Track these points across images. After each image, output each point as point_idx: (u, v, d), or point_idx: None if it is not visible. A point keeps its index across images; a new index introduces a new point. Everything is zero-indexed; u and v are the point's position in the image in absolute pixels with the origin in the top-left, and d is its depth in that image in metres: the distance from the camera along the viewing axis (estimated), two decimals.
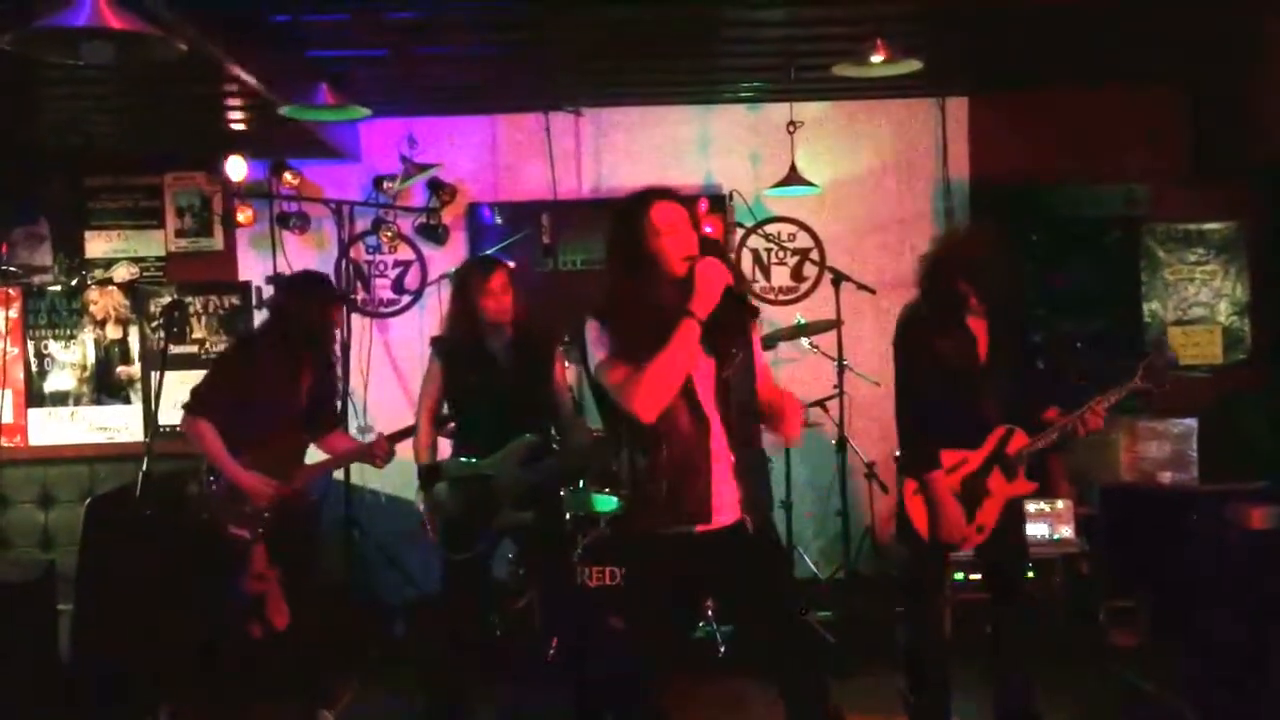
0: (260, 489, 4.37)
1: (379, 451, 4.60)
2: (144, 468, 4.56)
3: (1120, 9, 4.88)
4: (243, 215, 6.35)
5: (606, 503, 5.49)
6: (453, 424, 4.57)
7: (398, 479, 6.55)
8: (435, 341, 4.51)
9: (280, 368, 4.45)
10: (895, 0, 4.65)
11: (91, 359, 6.63)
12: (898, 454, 4.23)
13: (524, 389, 4.38)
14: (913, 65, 4.69)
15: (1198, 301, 6.41)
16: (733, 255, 6.23)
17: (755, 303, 3.22)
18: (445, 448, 4.56)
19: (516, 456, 4.33)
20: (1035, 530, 5.34)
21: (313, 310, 4.50)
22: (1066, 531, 5.45)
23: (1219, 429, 5.79)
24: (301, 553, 4.66)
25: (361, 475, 6.34)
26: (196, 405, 4.38)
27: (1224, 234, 6.30)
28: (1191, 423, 5.64)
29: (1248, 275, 6.36)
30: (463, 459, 4.41)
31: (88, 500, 5.67)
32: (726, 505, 3.07)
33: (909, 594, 4.24)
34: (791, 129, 5.97)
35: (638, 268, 3.03)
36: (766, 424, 3.26)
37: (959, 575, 5.43)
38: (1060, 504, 5.49)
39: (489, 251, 6.12)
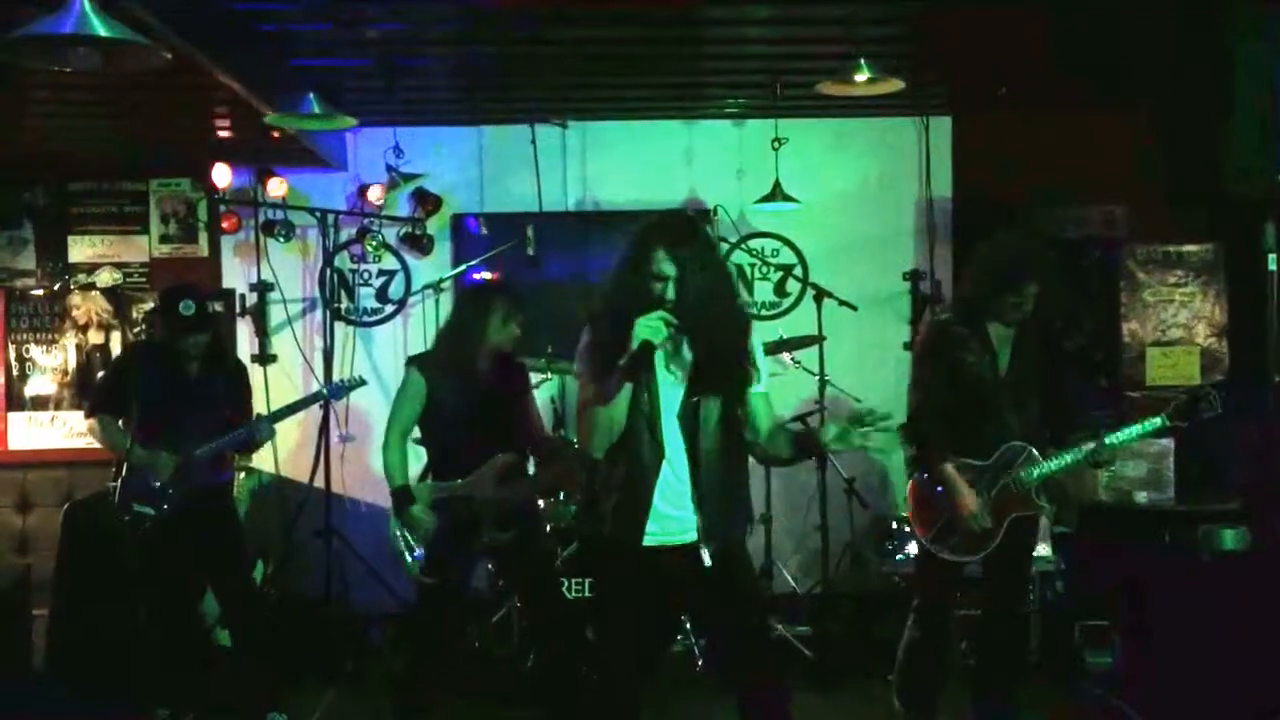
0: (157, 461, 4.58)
1: (257, 432, 4.76)
2: (123, 473, 4.59)
3: (1097, 34, 4.93)
4: (227, 222, 6.36)
5: None
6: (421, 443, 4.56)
7: (377, 489, 6.55)
8: (417, 359, 4.49)
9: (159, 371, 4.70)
10: (879, 22, 4.69)
11: (73, 364, 6.61)
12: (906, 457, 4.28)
13: (502, 410, 4.40)
14: (895, 85, 4.73)
15: (1176, 323, 6.44)
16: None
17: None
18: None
19: (494, 475, 4.33)
20: None
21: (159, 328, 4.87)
22: (1043, 550, 5.47)
23: (1196, 450, 5.82)
24: (219, 536, 4.76)
25: (342, 484, 6.34)
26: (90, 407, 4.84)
27: (1202, 256, 6.34)
28: (1168, 443, 5.66)
29: (1226, 297, 6.41)
30: (437, 482, 4.41)
31: (65, 505, 5.67)
32: (668, 530, 3.15)
33: (921, 609, 4.26)
34: (776, 145, 6.01)
35: (630, 284, 3.14)
36: (763, 462, 3.41)
37: None
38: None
39: (476, 262, 6.14)
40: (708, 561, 3.14)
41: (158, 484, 4.61)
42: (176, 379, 4.70)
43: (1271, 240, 5.05)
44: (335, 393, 5.22)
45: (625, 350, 3.03)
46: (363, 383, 5.24)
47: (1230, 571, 4.66)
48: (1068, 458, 4.02)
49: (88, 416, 4.86)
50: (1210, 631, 4.52)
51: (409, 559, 4.35)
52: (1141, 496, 5.63)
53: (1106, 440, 3.98)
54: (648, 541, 3.15)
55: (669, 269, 3.09)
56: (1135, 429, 4.01)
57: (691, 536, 3.16)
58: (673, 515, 3.15)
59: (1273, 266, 5.09)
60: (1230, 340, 6.40)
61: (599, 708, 3.32)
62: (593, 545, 3.41)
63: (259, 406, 5.91)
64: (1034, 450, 4.04)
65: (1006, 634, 4.21)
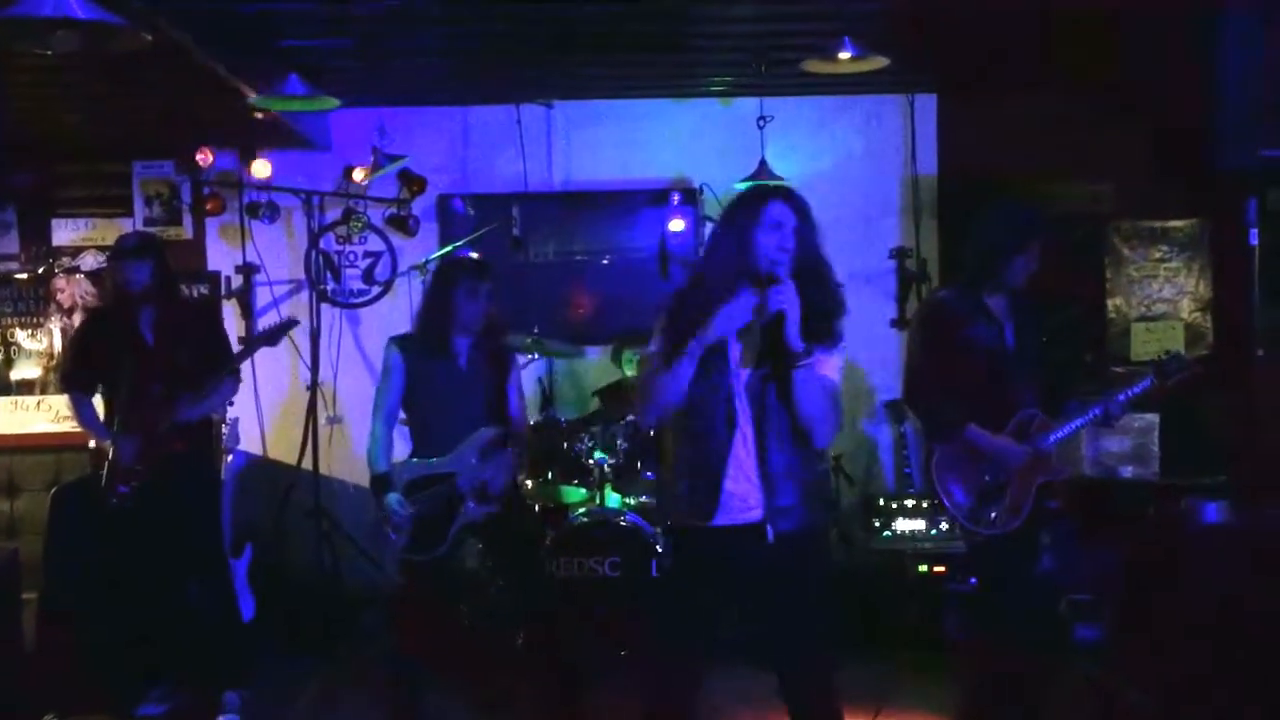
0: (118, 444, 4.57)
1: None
2: (109, 456, 4.59)
3: (1081, 10, 4.93)
4: (211, 204, 6.34)
5: (575, 494, 5.53)
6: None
7: (366, 470, 6.55)
8: (396, 339, 4.47)
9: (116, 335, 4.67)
10: None
11: (58, 348, 6.59)
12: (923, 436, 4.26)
13: (484, 388, 4.40)
14: (880, 62, 4.73)
15: (1161, 298, 6.48)
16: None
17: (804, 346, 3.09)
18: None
19: (476, 449, 4.34)
20: None
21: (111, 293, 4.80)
22: None
23: (1180, 424, 5.86)
24: (184, 499, 4.70)
25: (329, 466, 6.35)
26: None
27: (1186, 231, 6.37)
28: (1153, 418, 5.71)
29: (1210, 272, 6.45)
30: (418, 459, 4.41)
31: (53, 489, 5.67)
32: (739, 507, 3.11)
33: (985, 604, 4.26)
34: (762, 123, 6.00)
35: (729, 252, 3.11)
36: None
37: (922, 567, 5.49)
38: None
39: (461, 243, 6.14)
40: (770, 539, 3.08)
41: (127, 462, 4.58)
42: (130, 339, 4.63)
43: (1254, 216, 5.07)
44: (269, 338, 4.92)
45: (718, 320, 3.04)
46: (296, 322, 4.99)
47: (1214, 545, 4.69)
48: (1078, 421, 4.06)
49: (62, 392, 4.85)
50: (1195, 604, 4.55)
51: (392, 538, 4.35)
52: (1126, 471, 5.67)
53: (1118, 399, 4.05)
54: (717, 522, 3.11)
55: (789, 218, 3.10)
56: (1133, 390, 4.10)
57: (758, 515, 3.11)
58: (739, 493, 3.11)
59: (1255, 241, 5.11)
60: (1214, 315, 6.45)
61: (655, 694, 3.24)
62: (672, 528, 3.40)
63: (246, 392, 5.94)
64: (1047, 416, 4.07)
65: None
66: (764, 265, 3.08)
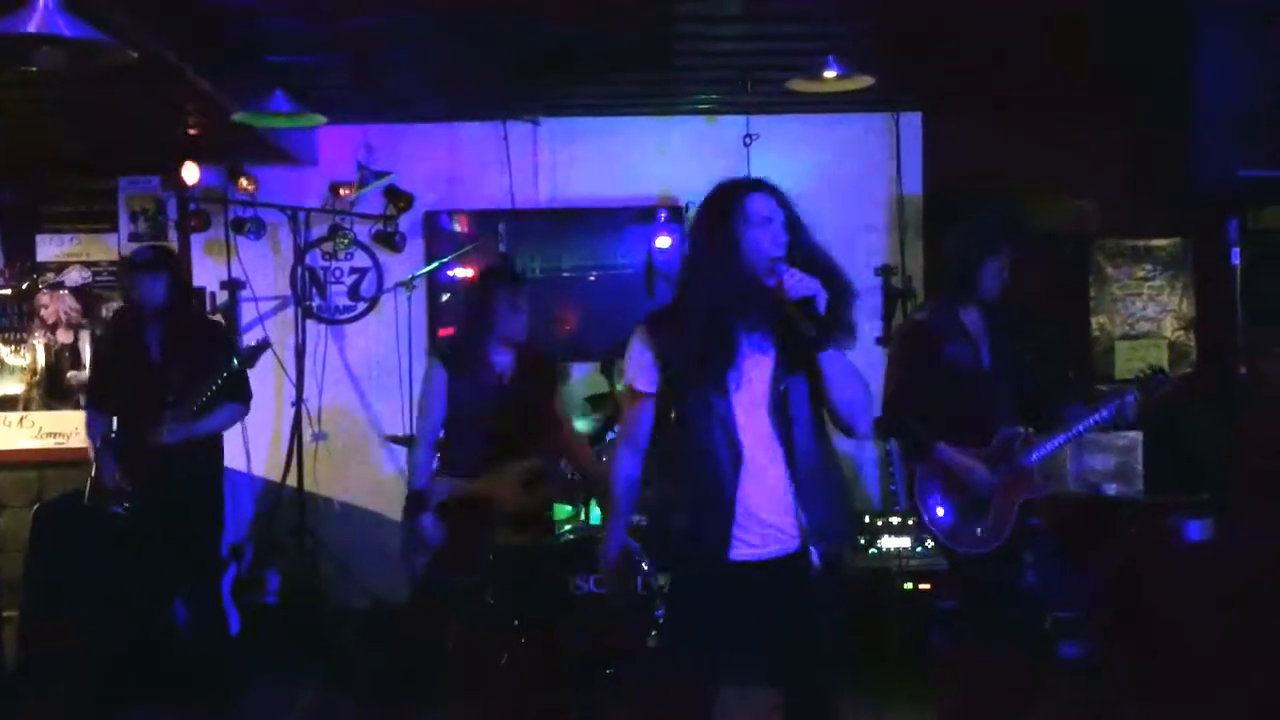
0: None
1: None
2: (92, 473, 4.57)
3: (1065, 30, 4.97)
4: (196, 220, 6.33)
5: (561, 510, 5.50)
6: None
7: (351, 488, 6.55)
8: (439, 350, 4.42)
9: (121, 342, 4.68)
10: (848, 19, 4.71)
11: (41, 363, 6.56)
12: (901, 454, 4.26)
13: (524, 408, 4.28)
14: (865, 81, 4.76)
15: (1144, 316, 6.51)
16: None
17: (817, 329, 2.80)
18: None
19: (517, 481, 4.25)
20: None
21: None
22: None
23: (1164, 442, 5.88)
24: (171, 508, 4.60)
25: (315, 482, 6.32)
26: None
27: (1169, 250, 6.40)
28: (1137, 435, 5.72)
29: (1193, 291, 6.48)
30: (455, 479, 4.28)
31: (35, 506, 5.63)
32: (769, 539, 2.80)
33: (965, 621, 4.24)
34: (748, 141, 6.03)
35: (719, 255, 2.78)
36: (836, 425, 2.93)
37: (908, 585, 5.49)
38: None
39: (448, 259, 6.14)
40: (816, 562, 2.77)
41: (118, 481, 4.57)
42: (135, 353, 4.61)
43: (1235, 235, 5.11)
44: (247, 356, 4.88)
45: (721, 339, 2.75)
46: (267, 345, 4.93)
47: (1198, 562, 4.71)
48: (1061, 437, 4.06)
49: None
50: (1180, 622, 4.57)
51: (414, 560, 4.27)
52: (1111, 489, 5.68)
53: (1100, 414, 4.05)
54: (739, 557, 2.77)
55: (775, 210, 2.82)
56: (1107, 408, 4.07)
57: (794, 545, 2.80)
58: (771, 524, 2.79)
59: (1236, 261, 5.15)
60: (1197, 333, 6.48)
61: None
62: (669, 565, 3.07)
63: None
64: (1030, 432, 4.07)
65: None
66: (763, 267, 2.77)
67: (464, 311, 4.44)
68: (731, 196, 2.85)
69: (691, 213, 6.35)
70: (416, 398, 4.41)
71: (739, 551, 2.78)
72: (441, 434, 4.32)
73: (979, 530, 4.01)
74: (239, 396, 4.79)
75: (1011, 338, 4.18)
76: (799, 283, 2.71)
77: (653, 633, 4.57)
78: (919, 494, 4.10)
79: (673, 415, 2.85)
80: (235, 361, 4.68)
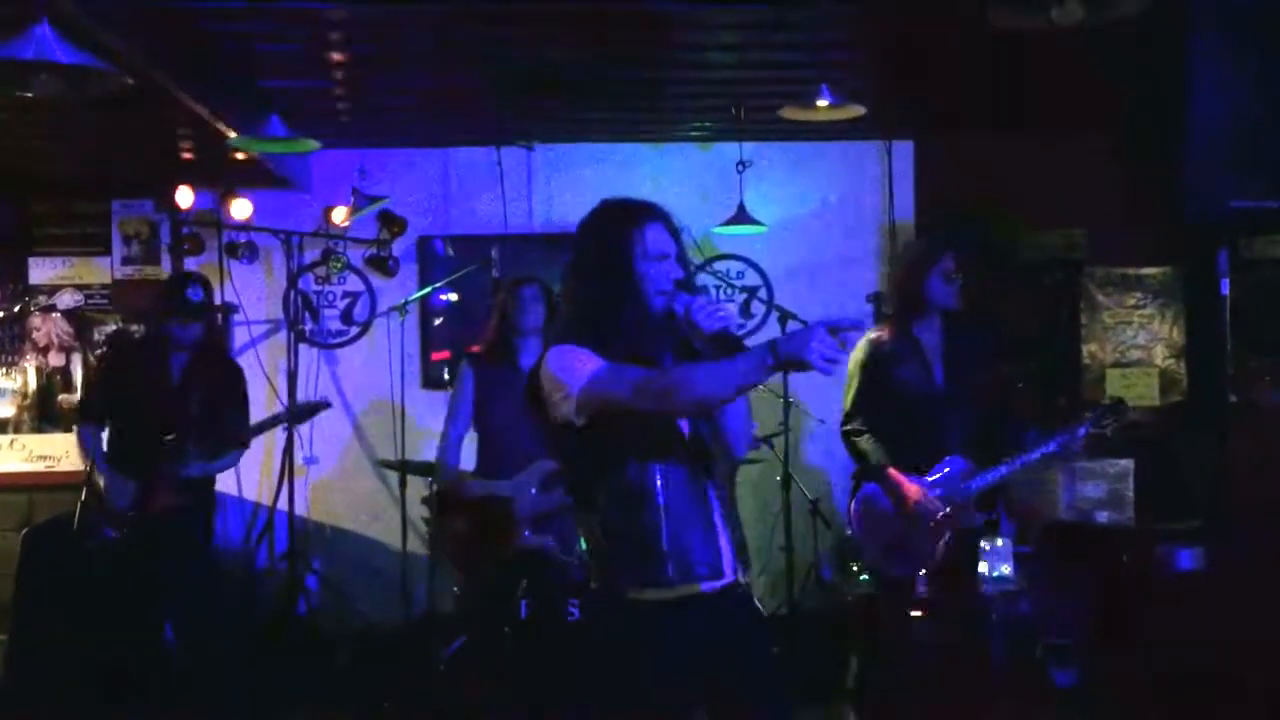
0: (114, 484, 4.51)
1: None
2: (83, 497, 4.55)
3: (1056, 60, 5.00)
4: (189, 244, 6.34)
5: None
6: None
7: (342, 511, 6.54)
8: (469, 353, 4.58)
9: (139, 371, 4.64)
10: (840, 48, 4.75)
11: (33, 386, 6.54)
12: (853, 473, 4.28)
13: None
14: (857, 111, 4.79)
15: (1135, 344, 6.54)
16: None
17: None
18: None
19: (536, 479, 4.32)
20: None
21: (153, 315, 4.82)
22: (1005, 569, 5.51)
23: (1156, 469, 5.89)
24: (183, 565, 4.66)
25: (307, 507, 6.31)
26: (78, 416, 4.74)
27: (1160, 278, 6.44)
28: (1128, 463, 5.72)
29: (1183, 319, 6.51)
30: (483, 479, 4.45)
31: (24, 530, 5.60)
32: (716, 568, 2.64)
33: (866, 628, 4.27)
34: (740, 168, 6.05)
35: (618, 285, 2.62)
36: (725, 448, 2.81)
37: None
38: (1000, 542, 5.54)
39: (441, 284, 6.16)
40: (749, 593, 2.69)
41: (120, 506, 4.55)
42: (157, 378, 4.60)
43: (1225, 265, 5.14)
44: (298, 415, 5.14)
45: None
46: (327, 405, 5.17)
47: (1189, 590, 4.71)
48: (1004, 469, 4.06)
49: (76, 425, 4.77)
50: (1170, 649, 4.57)
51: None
52: (1102, 516, 5.68)
53: (1069, 441, 4.06)
54: (679, 591, 2.59)
55: (670, 245, 2.66)
56: (1067, 436, 4.08)
57: (728, 577, 2.66)
58: (702, 553, 2.63)
59: (1226, 291, 5.18)
60: (1188, 361, 6.50)
61: None
62: (605, 605, 2.70)
63: None
64: (973, 463, 4.08)
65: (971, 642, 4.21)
66: (657, 304, 2.63)
67: (493, 311, 4.65)
68: (627, 229, 2.67)
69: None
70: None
71: (680, 589, 2.59)
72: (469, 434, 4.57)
73: (910, 554, 4.06)
74: (245, 442, 4.85)
75: (976, 348, 4.19)
76: (712, 315, 2.59)
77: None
78: (857, 512, 4.13)
79: (593, 452, 2.63)
80: (286, 413, 5.02)
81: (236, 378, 4.89)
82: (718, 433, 2.74)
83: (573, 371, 2.55)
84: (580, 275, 2.73)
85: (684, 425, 2.69)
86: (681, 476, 2.63)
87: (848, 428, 4.09)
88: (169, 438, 4.53)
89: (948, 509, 4.02)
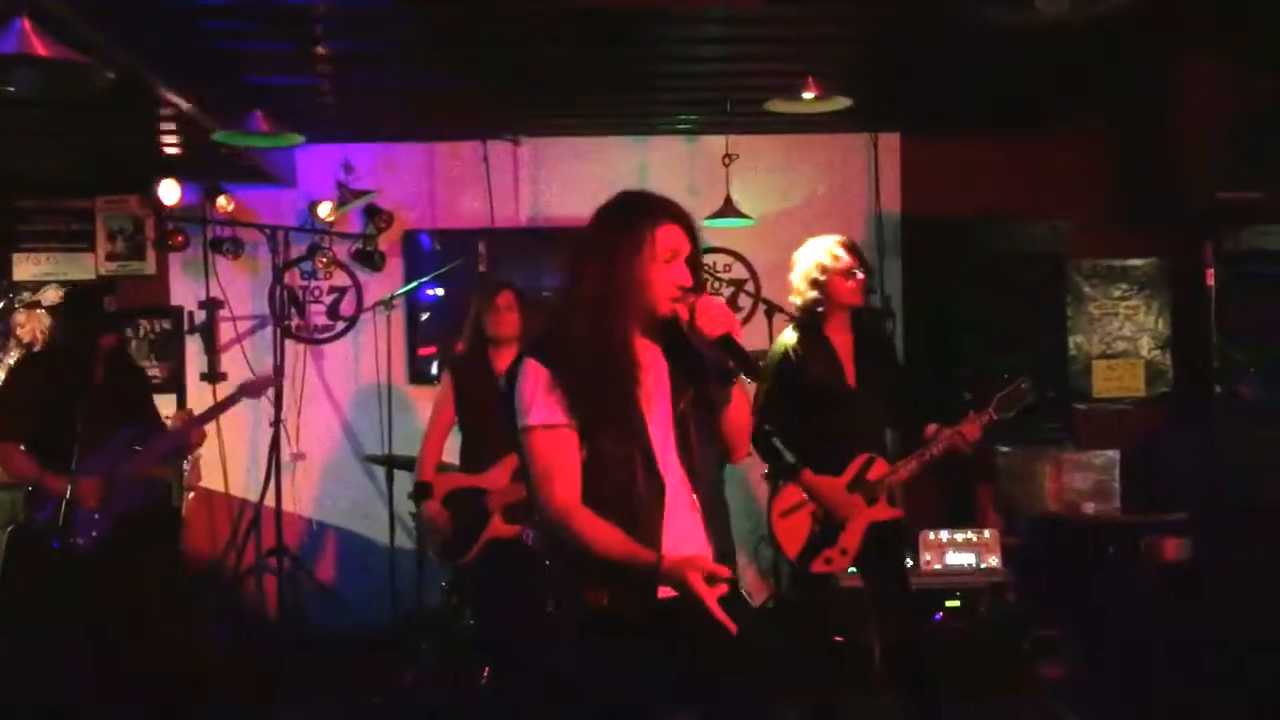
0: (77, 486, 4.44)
1: (189, 436, 4.78)
2: (67, 495, 4.52)
3: (1042, 56, 5.01)
4: (174, 239, 6.30)
5: None
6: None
7: (329, 507, 6.52)
8: (449, 358, 4.80)
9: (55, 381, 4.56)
10: (826, 41, 4.74)
11: None
12: (765, 473, 4.28)
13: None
14: (843, 103, 4.79)
15: (1121, 335, 6.56)
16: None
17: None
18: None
19: (509, 469, 4.43)
20: (962, 560, 5.42)
21: (73, 332, 4.71)
22: (993, 561, 5.53)
23: (1141, 461, 5.92)
24: (154, 565, 4.73)
25: (294, 502, 6.30)
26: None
27: (1146, 270, 6.46)
28: (1114, 454, 5.75)
29: (1169, 311, 6.53)
30: (462, 472, 4.65)
31: (10, 527, 5.57)
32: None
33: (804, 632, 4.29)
34: (727, 161, 6.05)
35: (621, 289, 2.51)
36: (723, 452, 2.78)
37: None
38: (987, 534, 5.57)
39: (427, 278, 6.16)
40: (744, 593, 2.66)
41: (88, 510, 4.48)
42: (82, 389, 4.52)
43: (1210, 256, 5.16)
44: (251, 390, 5.10)
45: (625, 370, 2.51)
46: (279, 377, 5.16)
47: (1174, 581, 4.73)
48: (913, 462, 4.09)
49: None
50: (1155, 640, 4.59)
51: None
52: (1088, 508, 5.71)
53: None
54: (665, 593, 2.47)
55: (683, 244, 2.58)
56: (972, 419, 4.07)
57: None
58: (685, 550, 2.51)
59: (1211, 282, 5.20)
60: (1174, 353, 6.53)
61: None
62: (582, 615, 2.58)
63: (209, 428, 5.89)
64: (883, 457, 4.12)
65: (900, 633, 4.21)
66: (661, 308, 2.55)
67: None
68: (637, 226, 2.57)
69: None
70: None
71: (666, 590, 2.48)
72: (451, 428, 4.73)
73: (828, 551, 4.07)
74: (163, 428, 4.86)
75: (881, 346, 4.27)
76: (716, 318, 2.53)
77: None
78: (774, 516, 4.14)
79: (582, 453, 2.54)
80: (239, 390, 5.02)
81: (146, 379, 5.02)
82: (720, 437, 2.70)
83: (526, 408, 2.53)
84: (579, 269, 2.60)
85: (666, 427, 2.61)
86: (655, 483, 2.55)
87: (765, 427, 4.06)
88: (124, 434, 4.55)
89: (862, 505, 4.05)
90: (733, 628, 2.40)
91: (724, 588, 2.40)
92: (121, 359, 4.77)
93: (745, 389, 2.76)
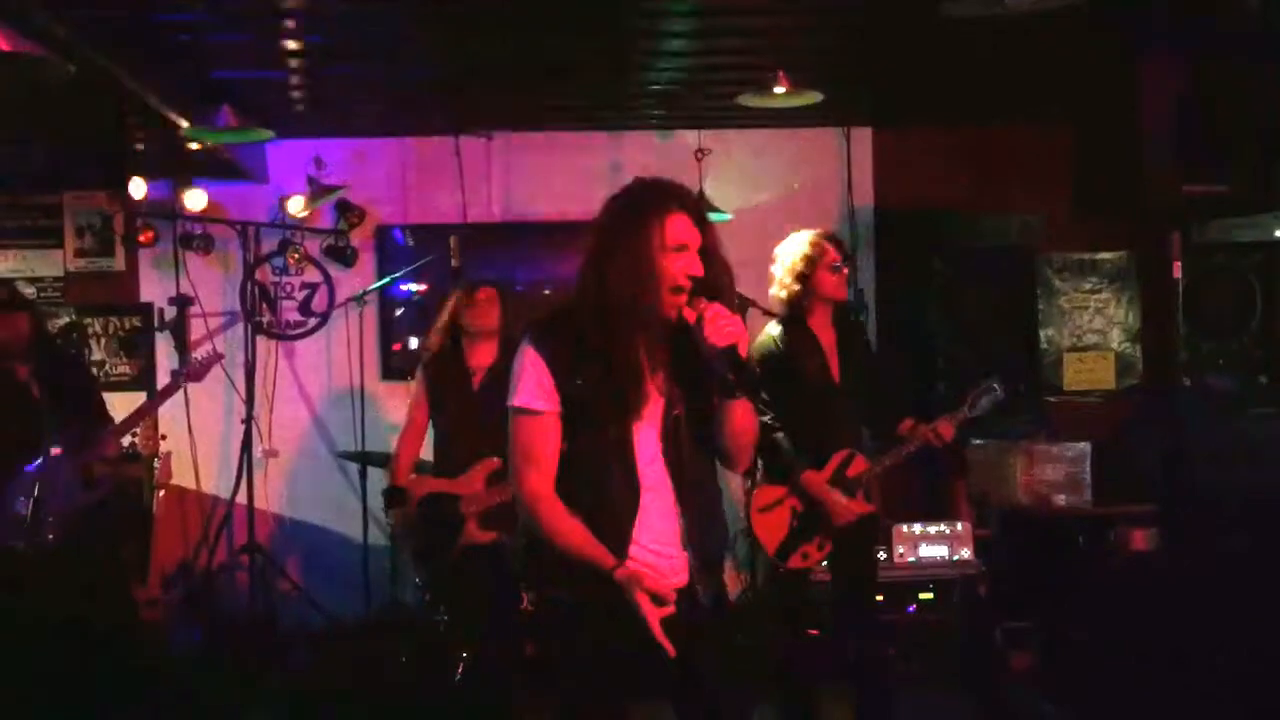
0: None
1: (104, 448, 4.57)
2: (35, 494, 4.47)
3: (1011, 51, 5.03)
4: (144, 235, 6.24)
5: None
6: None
7: (302, 505, 6.49)
8: (424, 358, 4.66)
9: None
10: (797, 34, 4.75)
11: None
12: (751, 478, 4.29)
13: (499, 409, 4.33)
14: (814, 97, 4.80)
15: (1091, 329, 6.60)
16: None
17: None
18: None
19: (483, 475, 4.39)
20: (935, 552, 5.44)
21: None
22: (965, 553, 5.55)
23: (1112, 453, 5.96)
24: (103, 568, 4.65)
25: (266, 499, 6.27)
26: None
27: (1115, 263, 6.50)
28: (1085, 446, 5.78)
29: (1139, 303, 6.58)
30: (436, 476, 4.58)
31: None
32: (660, 571, 2.54)
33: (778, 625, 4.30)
34: (700, 156, 6.05)
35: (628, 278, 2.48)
36: (722, 461, 2.75)
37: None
38: (960, 526, 5.59)
39: (400, 274, 6.13)
40: (702, 599, 2.58)
41: (29, 510, 4.35)
42: (14, 390, 4.40)
43: (1177, 250, 5.20)
44: (194, 374, 4.95)
45: (631, 368, 2.50)
46: (220, 356, 5.00)
47: (1143, 572, 4.77)
48: (890, 458, 4.13)
49: None
50: (1127, 631, 4.62)
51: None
52: (1059, 500, 5.74)
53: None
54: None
55: (693, 235, 2.53)
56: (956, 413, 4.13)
57: (683, 578, 2.58)
58: (658, 556, 2.55)
59: (1178, 275, 5.24)
60: (1143, 345, 6.57)
61: None
62: (553, 609, 2.62)
63: (179, 425, 5.88)
64: (860, 456, 4.13)
65: (869, 633, 4.23)
66: (669, 301, 2.51)
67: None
68: (650, 215, 2.52)
69: None
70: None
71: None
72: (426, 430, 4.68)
73: (806, 547, 4.09)
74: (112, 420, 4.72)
75: (860, 341, 4.29)
76: (724, 328, 2.49)
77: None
78: (754, 514, 4.15)
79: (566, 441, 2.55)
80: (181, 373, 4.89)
81: (78, 362, 4.96)
82: (724, 449, 2.66)
83: (515, 388, 2.55)
84: (587, 256, 2.57)
85: (655, 427, 2.59)
86: (630, 484, 2.55)
87: (765, 420, 4.04)
88: (71, 434, 4.44)
89: (849, 502, 4.07)
90: (671, 651, 2.42)
91: (670, 609, 2.42)
92: (42, 348, 4.54)
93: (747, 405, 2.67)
